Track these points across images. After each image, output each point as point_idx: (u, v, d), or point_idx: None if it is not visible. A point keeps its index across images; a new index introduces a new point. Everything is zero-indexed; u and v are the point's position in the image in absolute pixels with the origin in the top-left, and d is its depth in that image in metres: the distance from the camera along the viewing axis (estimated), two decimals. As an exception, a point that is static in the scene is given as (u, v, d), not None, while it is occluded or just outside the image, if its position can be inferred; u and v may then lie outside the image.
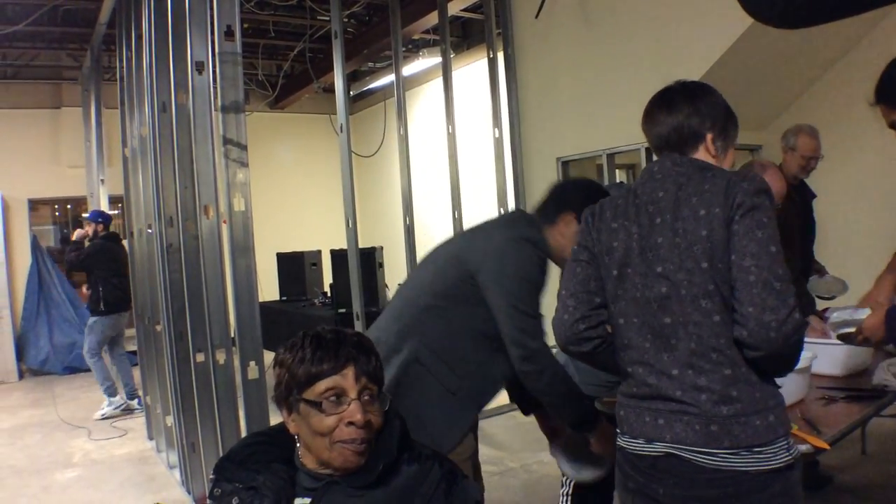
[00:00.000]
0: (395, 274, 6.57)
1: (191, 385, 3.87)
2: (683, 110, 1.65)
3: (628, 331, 1.62)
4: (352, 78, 8.79)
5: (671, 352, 1.54)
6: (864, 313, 1.98)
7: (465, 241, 2.24)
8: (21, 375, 8.24)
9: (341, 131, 5.02)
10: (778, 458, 1.45)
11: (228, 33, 3.09)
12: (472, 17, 7.03)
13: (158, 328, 4.59)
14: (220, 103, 3.12)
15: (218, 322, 3.49)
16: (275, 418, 1.51)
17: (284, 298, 7.20)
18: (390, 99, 6.79)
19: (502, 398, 2.45)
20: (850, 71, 5.00)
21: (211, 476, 1.50)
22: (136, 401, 6.31)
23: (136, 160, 4.97)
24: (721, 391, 1.47)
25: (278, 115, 9.88)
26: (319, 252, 7.18)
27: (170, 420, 4.56)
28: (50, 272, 8.49)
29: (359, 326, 4.95)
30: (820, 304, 3.66)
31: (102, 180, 7.15)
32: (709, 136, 1.64)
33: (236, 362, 3.34)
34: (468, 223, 5.82)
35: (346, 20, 6.99)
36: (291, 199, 9.79)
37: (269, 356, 2.23)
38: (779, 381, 1.55)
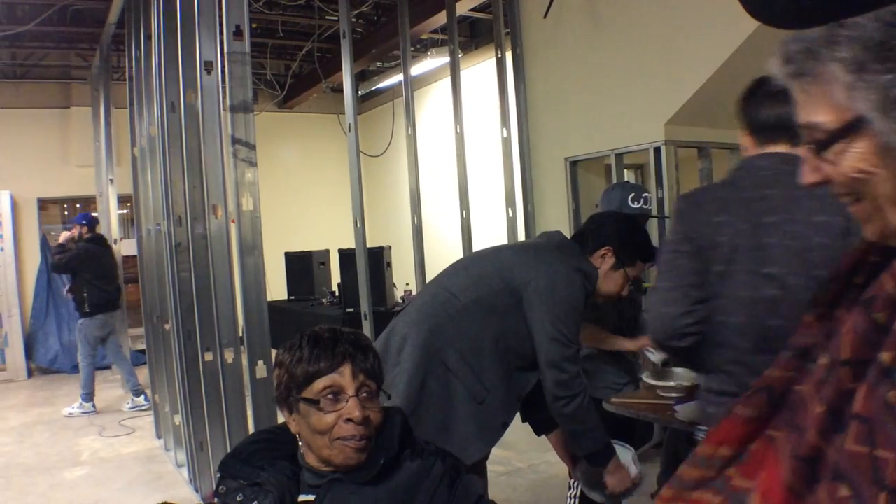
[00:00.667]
0: (403, 274, 6.59)
1: (199, 384, 3.88)
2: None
3: (726, 329, 1.57)
4: (360, 78, 8.79)
5: (774, 354, 1.53)
6: None
7: (515, 256, 2.25)
8: (30, 374, 8.28)
9: (349, 131, 5.03)
10: None
11: (237, 33, 3.10)
12: (481, 16, 7.02)
13: (167, 327, 4.60)
14: (228, 103, 3.13)
15: (226, 321, 3.50)
16: (283, 417, 1.52)
17: (292, 298, 7.22)
18: (398, 99, 6.79)
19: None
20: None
21: (217, 473, 1.51)
22: (142, 397, 6.34)
23: (145, 159, 4.99)
24: None
25: (287, 115, 9.89)
26: (327, 251, 7.19)
27: (178, 419, 4.57)
28: (59, 271, 8.52)
29: (366, 326, 4.95)
30: None
31: (111, 180, 7.17)
32: None
33: (244, 361, 3.35)
34: (476, 223, 5.86)
35: (354, 20, 7.00)
36: (300, 198, 9.80)
37: (277, 355, 2.23)
38: None
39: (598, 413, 2.24)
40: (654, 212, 3.93)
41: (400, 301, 5.99)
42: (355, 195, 5.02)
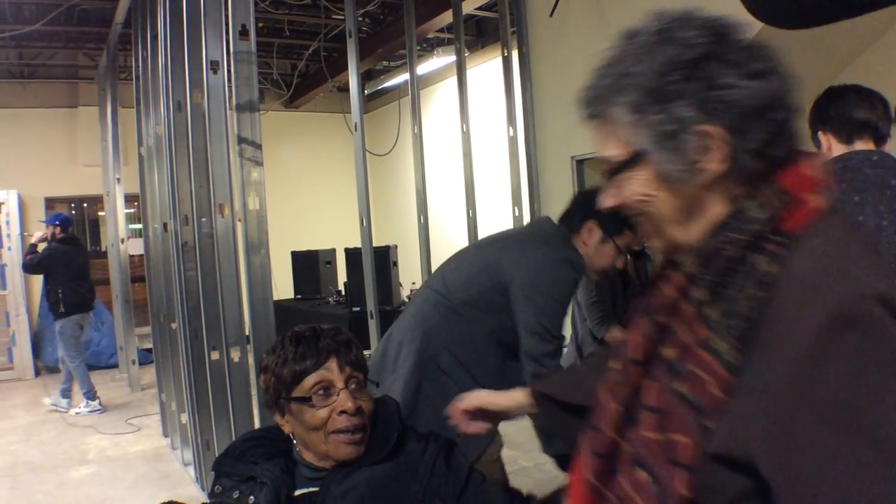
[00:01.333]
0: (409, 273, 6.58)
1: (205, 383, 3.88)
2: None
3: None
4: (366, 77, 8.79)
5: None
6: None
7: (500, 252, 2.22)
8: (37, 373, 8.30)
9: (356, 130, 5.03)
10: None
11: (243, 32, 3.10)
12: (487, 15, 7.00)
13: (174, 326, 4.61)
14: (234, 102, 3.13)
15: (232, 320, 3.50)
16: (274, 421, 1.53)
17: (299, 297, 7.22)
18: (405, 98, 6.79)
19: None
20: (864, 71, 4.94)
21: (211, 472, 1.52)
22: (97, 402, 6.35)
23: (152, 159, 5.00)
24: None
25: (293, 114, 9.89)
26: (334, 251, 7.19)
27: (184, 417, 4.58)
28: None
29: (373, 325, 4.95)
30: None
31: (118, 179, 7.18)
32: None
33: (251, 360, 3.35)
34: (482, 222, 5.85)
35: (360, 19, 6.99)
36: (306, 197, 9.81)
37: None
38: None
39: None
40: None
41: (406, 300, 5.99)
42: (361, 194, 5.02)
